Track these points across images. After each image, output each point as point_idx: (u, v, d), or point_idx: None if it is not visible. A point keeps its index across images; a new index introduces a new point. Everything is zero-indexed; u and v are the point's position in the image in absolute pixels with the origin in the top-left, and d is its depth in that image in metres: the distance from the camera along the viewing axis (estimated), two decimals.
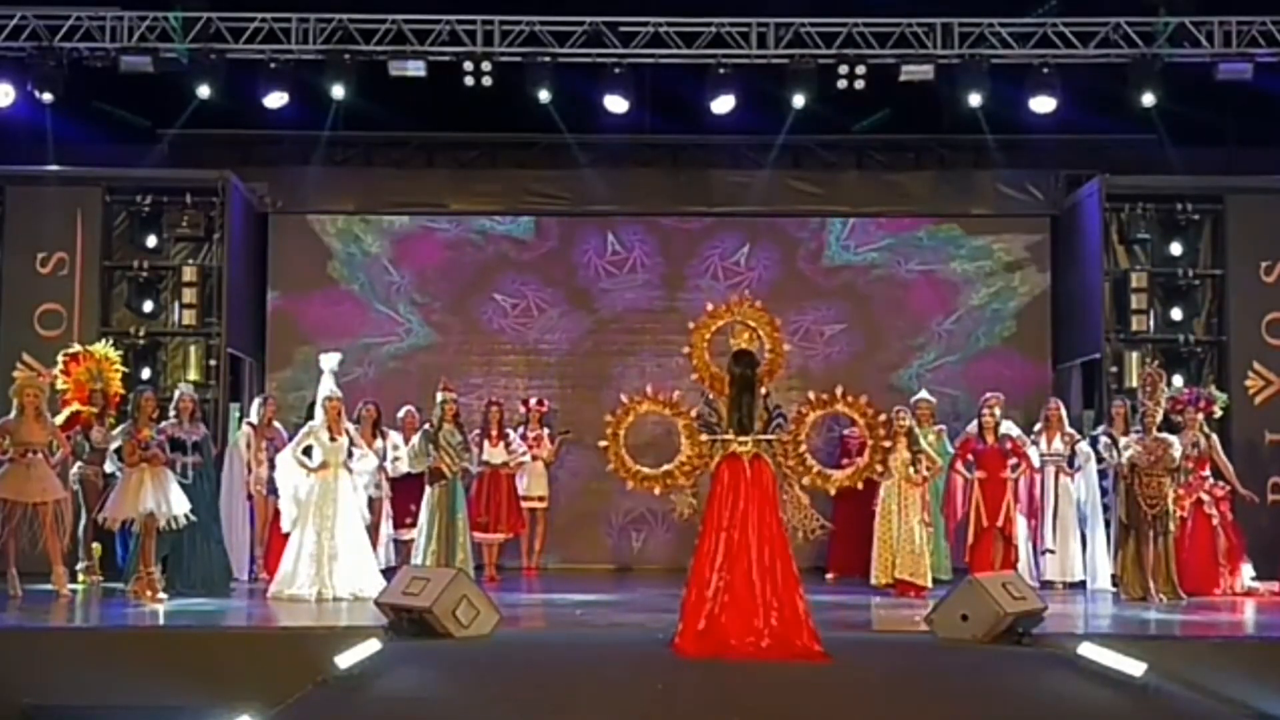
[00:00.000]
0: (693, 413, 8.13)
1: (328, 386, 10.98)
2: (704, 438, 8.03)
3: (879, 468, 8.45)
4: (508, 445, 12.40)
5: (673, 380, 13.58)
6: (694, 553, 8.05)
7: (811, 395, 8.21)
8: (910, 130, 14.25)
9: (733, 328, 8.14)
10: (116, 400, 11.56)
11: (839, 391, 8.17)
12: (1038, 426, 11.90)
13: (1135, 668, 7.09)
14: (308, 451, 10.81)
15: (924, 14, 12.71)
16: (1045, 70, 12.68)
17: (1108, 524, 11.62)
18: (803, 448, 8.09)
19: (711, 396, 8.10)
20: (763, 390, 8.05)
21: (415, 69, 12.74)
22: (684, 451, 8.09)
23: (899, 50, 12.71)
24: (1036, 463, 11.58)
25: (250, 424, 12.03)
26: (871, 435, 8.16)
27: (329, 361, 11.20)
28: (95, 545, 11.35)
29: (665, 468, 8.12)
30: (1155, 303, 13.13)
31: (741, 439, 7.95)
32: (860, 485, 8.60)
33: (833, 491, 8.72)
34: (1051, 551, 11.65)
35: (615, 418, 8.15)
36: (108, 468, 11.06)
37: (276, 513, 11.14)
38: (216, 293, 13.00)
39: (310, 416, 11.15)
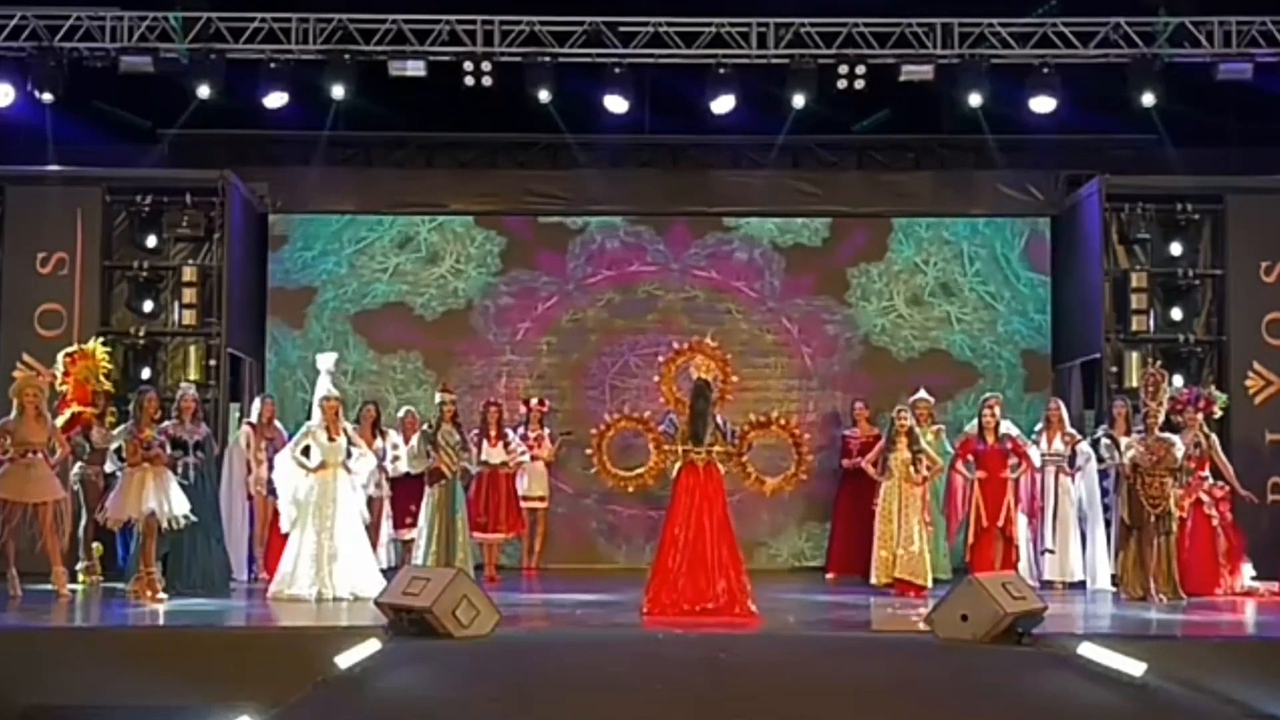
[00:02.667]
0: (659, 429, 10.19)
1: (325, 386, 10.98)
2: (666, 448, 9.99)
3: (803, 476, 10.27)
4: (506, 445, 12.39)
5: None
6: (660, 537, 10.06)
7: (752, 417, 10.27)
8: (910, 130, 14.26)
9: (694, 361, 10.10)
10: (107, 398, 11.58)
11: (773, 414, 10.29)
12: (1038, 427, 11.90)
13: (1135, 668, 7.10)
14: (306, 452, 10.81)
15: (924, 14, 12.70)
16: (1045, 70, 12.68)
17: (1108, 524, 11.62)
18: (744, 458, 10.06)
19: (676, 415, 10.10)
20: (714, 411, 9.94)
21: (415, 69, 12.74)
22: (652, 458, 10.10)
23: (899, 50, 12.71)
24: (1037, 463, 11.58)
25: (250, 424, 12.03)
26: (797, 451, 10.09)
27: (326, 361, 11.21)
28: (96, 545, 11.36)
29: (637, 471, 10.19)
30: (1155, 303, 13.12)
31: (697, 449, 9.85)
32: (789, 489, 10.56)
33: (768, 494, 10.53)
34: (1051, 551, 11.64)
35: (599, 432, 10.20)
36: (108, 468, 11.05)
37: (276, 513, 11.14)
38: (216, 293, 12.99)
39: (308, 417, 11.16)
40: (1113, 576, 11.38)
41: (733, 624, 9.47)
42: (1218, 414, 11.91)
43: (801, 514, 13.81)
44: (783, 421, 10.17)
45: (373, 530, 11.57)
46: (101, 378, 11.57)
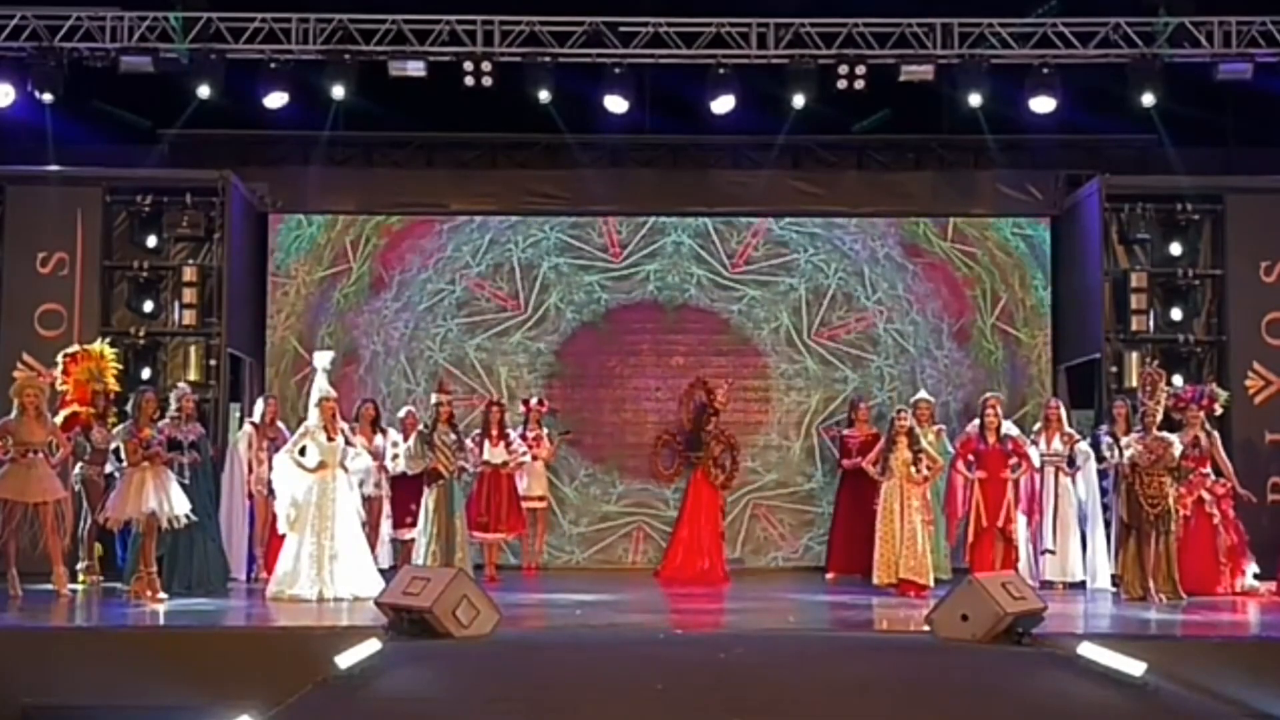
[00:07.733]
0: (679, 444, 13.26)
1: (322, 386, 10.96)
2: (688, 454, 13.06)
3: (733, 476, 13.08)
4: (508, 445, 12.40)
5: (670, 379, 13.71)
6: (677, 521, 13.12)
7: (711, 429, 12.94)
8: (910, 130, 14.24)
9: (695, 391, 13.18)
10: (112, 399, 11.58)
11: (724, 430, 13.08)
12: (1037, 426, 11.91)
13: (1135, 668, 7.09)
14: (304, 452, 10.79)
15: (924, 14, 12.71)
16: (1045, 70, 12.68)
17: (1108, 524, 11.62)
18: (710, 463, 12.88)
19: (687, 430, 13.18)
20: (709, 428, 12.87)
21: (415, 69, 12.74)
22: (675, 464, 13.34)
23: (899, 50, 12.71)
24: (1036, 463, 11.58)
25: (253, 423, 12.02)
26: (733, 454, 13.03)
27: (322, 360, 11.19)
28: (96, 545, 11.35)
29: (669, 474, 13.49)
30: (1155, 303, 13.11)
31: (696, 455, 12.89)
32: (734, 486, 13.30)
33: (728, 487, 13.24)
34: (1051, 551, 11.64)
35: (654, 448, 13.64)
36: (108, 468, 11.05)
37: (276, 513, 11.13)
38: (216, 293, 12.99)
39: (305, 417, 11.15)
40: (1113, 576, 11.38)
41: (715, 588, 12.14)
42: (1219, 411, 11.91)
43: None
44: (733, 440, 13.04)
45: (372, 530, 11.56)
46: (109, 378, 11.56)
